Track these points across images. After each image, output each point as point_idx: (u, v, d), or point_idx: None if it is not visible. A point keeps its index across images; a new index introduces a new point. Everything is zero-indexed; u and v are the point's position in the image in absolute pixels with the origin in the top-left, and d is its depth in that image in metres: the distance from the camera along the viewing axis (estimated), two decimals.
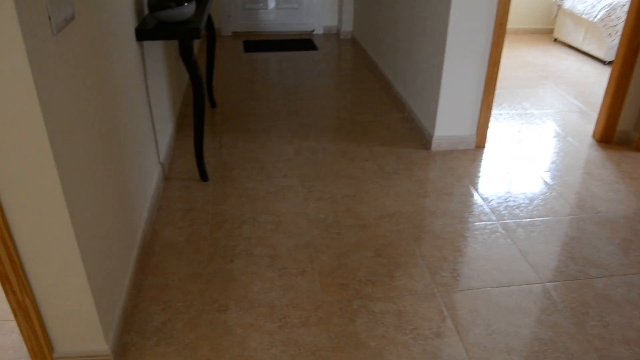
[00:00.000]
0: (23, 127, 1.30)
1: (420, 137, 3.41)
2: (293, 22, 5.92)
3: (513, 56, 5.27)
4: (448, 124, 3.19)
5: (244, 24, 5.87)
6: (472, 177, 2.94)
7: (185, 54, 2.58)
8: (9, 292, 1.64)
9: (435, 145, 3.25)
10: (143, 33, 2.46)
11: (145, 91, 2.61)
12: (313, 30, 5.98)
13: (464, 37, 2.93)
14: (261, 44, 5.56)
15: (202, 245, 2.37)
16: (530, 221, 2.55)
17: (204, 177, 2.90)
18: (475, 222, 2.54)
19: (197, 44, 5.19)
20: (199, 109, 2.72)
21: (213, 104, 3.90)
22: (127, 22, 2.31)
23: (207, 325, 1.93)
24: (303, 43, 5.60)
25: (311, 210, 2.62)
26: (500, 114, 3.81)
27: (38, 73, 1.28)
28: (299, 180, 2.89)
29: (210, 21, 3.63)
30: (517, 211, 2.63)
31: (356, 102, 4.00)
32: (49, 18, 1.38)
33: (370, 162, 3.10)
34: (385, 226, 2.50)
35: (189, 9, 2.54)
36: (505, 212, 2.62)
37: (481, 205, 2.68)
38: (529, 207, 2.66)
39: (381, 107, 3.90)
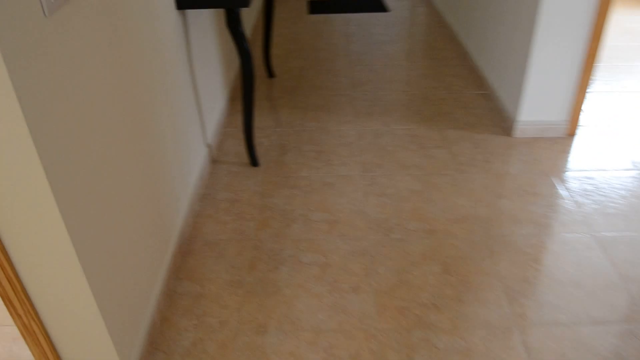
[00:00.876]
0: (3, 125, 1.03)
1: (501, 121, 2.98)
2: None
3: (611, 21, 4.62)
4: (535, 106, 2.75)
5: None
6: (561, 173, 2.52)
7: (232, 24, 2.26)
8: (15, 316, 1.43)
9: (518, 132, 2.82)
10: (184, 1, 2.15)
11: (189, 66, 2.33)
12: None
13: (561, 1, 2.46)
14: (327, 4, 5.15)
15: (246, 247, 2.10)
16: (634, 236, 2.12)
17: (254, 162, 2.62)
18: (564, 233, 2.14)
19: (256, 4, 4.86)
20: (248, 87, 2.41)
21: (270, 74, 3.59)
22: None
23: (242, 350, 1.68)
24: (373, 3, 5.15)
25: (371, 209, 2.30)
26: (595, 94, 3.30)
27: (20, 68, 1.00)
28: (359, 170, 2.56)
29: None
30: (617, 221, 2.20)
31: (428, 74, 3.58)
32: None
33: (442, 149, 2.72)
34: (456, 233, 2.15)
35: None
36: (603, 221, 2.20)
37: (572, 212, 2.26)
38: (632, 217, 2.23)
39: (457, 81, 3.47)
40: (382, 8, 5.00)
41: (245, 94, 2.44)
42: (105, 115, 1.40)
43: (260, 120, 3.04)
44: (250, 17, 4.30)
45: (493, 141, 2.79)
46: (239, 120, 3.04)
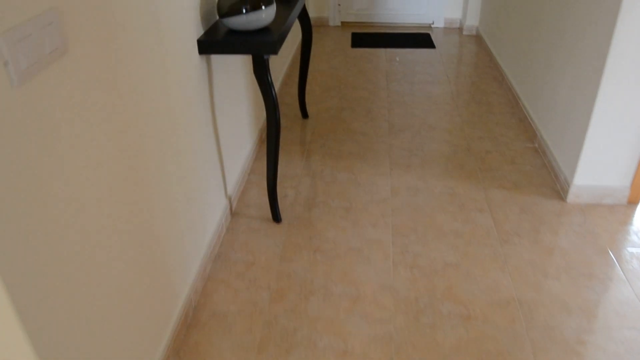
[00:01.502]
0: None
1: (553, 181, 2.69)
2: (410, 12, 5.24)
3: None
4: (594, 169, 2.45)
5: (355, 14, 5.29)
6: (621, 250, 2.21)
7: (258, 72, 2.07)
8: None
9: (572, 196, 2.52)
10: (206, 45, 1.98)
11: (211, 113, 2.15)
12: (432, 23, 5.27)
13: (633, 53, 2.18)
14: (371, 37, 4.95)
15: (257, 322, 1.88)
16: None
17: (276, 218, 2.41)
18: (625, 329, 1.84)
19: (294, 38, 4.69)
20: (273, 139, 2.21)
21: (305, 114, 3.39)
22: (186, 32, 1.84)
23: None
24: (419, 38, 4.92)
25: (400, 283, 2.05)
26: None
27: None
28: (391, 233, 2.32)
29: (305, 15, 3.08)
30: None
31: (474, 121, 3.31)
32: (5, 64, 0.91)
33: (485, 213, 2.45)
34: (495, 321, 1.88)
35: (267, 13, 2.02)
36: None
37: (634, 303, 1.96)
38: None
39: (505, 131, 3.19)
40: (429, 44, 4.76)
41: (270, 147, 2.24)
42: (96, 178, 1.21)
43: (289, 167, 2.84)
44: (286, 50, 4.13)
45: (543, 206, 2.50)
46: (265, 166, 2.84)
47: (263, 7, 1.99)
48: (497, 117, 3.36)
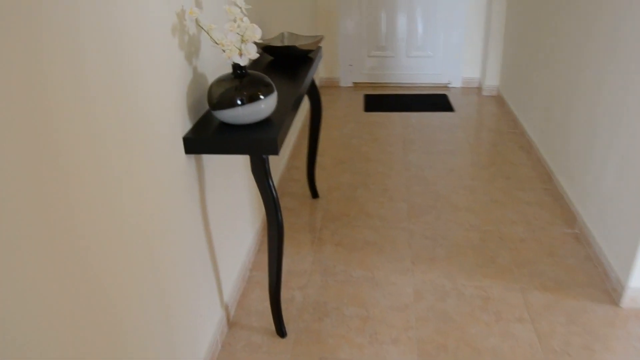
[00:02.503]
0: None
1: (602, 280, 2.32)
2: (426, 72, 4.98)
3: None
4: None
5: (367, 74, 5.03)
6: None
7: (256, 172, 1.76)
8: None
9: (628, 300, 2.15)
10: (194, 144, 1.67)
11: (201, 213, 1.83)
12: (449, 83, 5.00)
13: None
14: (385, 100, 4.68)
15: None
16: None
17: (280, 331, 2.06)
18: None
19: (302, 103, 4.42)
20: (274, 244, 1.88)
21: (314, 193, 3.07)
22: (168, 127, 1.54)
23: None
24: (436, 100, 4.64)
25: None
26: None
27: None
28: (416, 354, 1.95)
29: (314, 89, 2.79)
30: None
31: (502, 200, 2.97)
32: None
33: (526, 324, 2.08)
34: None
35: (267, 104, 1.72)
36: None
37: None
38: None
39: (538, 212, 2.84)
40: (447, 107, 4.47)
41: (272, 253, 1.91)
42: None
43: (296, 261, 2.50)
44: (296, 119, 3.85)
45: (594, 313, 2.13)
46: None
47: (262, 97, 1.69)
48: (528, 195, 3.01)
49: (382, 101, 4.64)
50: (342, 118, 4.26)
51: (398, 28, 4.82)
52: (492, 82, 4.72)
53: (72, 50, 1.05)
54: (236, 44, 1.62)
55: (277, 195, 1.79)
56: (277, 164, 3.16)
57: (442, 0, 4.68)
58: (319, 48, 2.68)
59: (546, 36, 3.29)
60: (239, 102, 1.67)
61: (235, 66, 1.69)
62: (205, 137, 1.66)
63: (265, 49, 2.46)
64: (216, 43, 1.64)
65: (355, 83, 5.09)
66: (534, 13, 3.59)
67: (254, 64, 2.47)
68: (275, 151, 1.64)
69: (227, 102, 1.67)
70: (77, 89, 1.07)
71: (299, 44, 2.59)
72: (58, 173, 1.01)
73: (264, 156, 1.71)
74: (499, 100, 4.58)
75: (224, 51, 1.62)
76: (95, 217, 1.14)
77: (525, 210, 2.87)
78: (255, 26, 1.64)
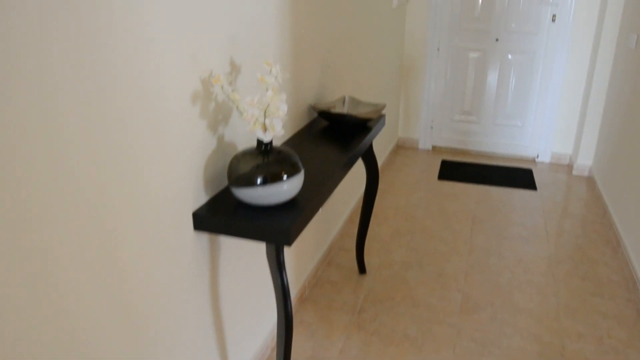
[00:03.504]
0: None
1: None
2: (511, 142, 4.64)
3: None
4: None
5: (449, 138, 4.77)
6: None
7: (270, 259, 1.57)
8: None
9: None
10: (204, 221, 1.52)
11: (210, 296, 1.66)
12: (536, 157, 4.62)
13: None
14: (463, 168, 4.38)
15: None
16: None
17: None
18: None
19: (383, 148, 4.22)
20: (282, 343, 1.67)
21: (362, 269, 2.83)
22: (176, 201, 1.39)
23: None
24: (519, 175, 4.28)
25: None
26: None
27: None
28: None
29: (371, 157, 2.59)
30: None
31: (574, 305, 2.59)
32: None
33: None
34: None
35: (291, 185, 1.54)
36: None
37: None
38: None
39: (616, 328, 2.45)
40: (530, 184, 4.10)
41: (279, 344, 1.70)
42: None
43: (324, 347, 2.27)
44: (359, 178, 3.65)
45: None
46: (290, 346, 2.29)
47: (285, 178, 1.52)
48: (606, 304, 2.61)
49: (459, 169, 4.35)
50: (413, 185, 4.01)
51: (486, 92, 4.55)
52: (584, 161, 4.30)
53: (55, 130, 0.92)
54: (260, 118, 1.47)
55: (288, 287, 1.59)
56: (330, 229, 2.97)
57: (538, 66, 4.36)
58: (380, 116, 2.49)
59: None
60: (259, 181, 1.50)
61: (260, 141, 1.53)
62: (218, 215, 1.51)
63: (321, 114, 2.30)
64: (242, 114, 1.50)
65: (434, 146, 4.83)
66: None
67: (308, 127, 2.32)
68: (287, 242, 1.45)
69: (246, 180, 1.51)
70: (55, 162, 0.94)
71: (357, 112, 2.43)
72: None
73: (279, 245, 1.53)
74: (590, 182, 4.15)
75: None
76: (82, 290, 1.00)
77: (599, 323, 2.48)
78: (282, 100, 1.48)
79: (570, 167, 4.47)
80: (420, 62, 4.60)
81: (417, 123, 4.79)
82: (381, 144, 4.15)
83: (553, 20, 4.21)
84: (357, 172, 3.48)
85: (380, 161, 4.20)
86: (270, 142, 1.54)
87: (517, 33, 4.33)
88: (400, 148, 4.83)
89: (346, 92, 2.90)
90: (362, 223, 2.74)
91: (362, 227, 2.75)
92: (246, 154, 1.56)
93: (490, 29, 4.37)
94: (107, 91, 1.11)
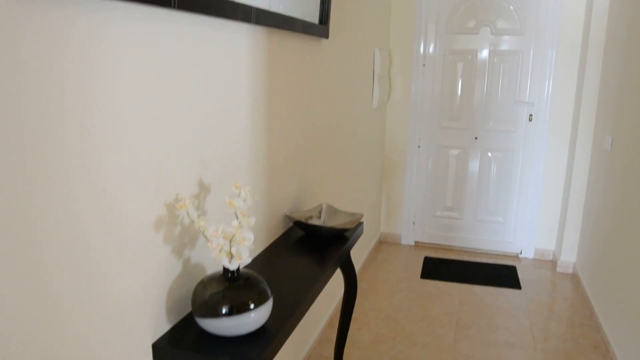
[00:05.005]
0: None
1: None
2: (494, 239, 4.61)
3: None
4: None
5: (431, 234, 4.73)
6: None
7: None
8: None
9: None
10: (164, 354, 1.42)
11: None
12: (520, 253, 4.58)
13: None
14: (446, 266, 4.32)
15: None
16: None
17: None
18: None
19: (362, 247, 4.16)
20: None
21: None
22: (136, 330, 1.30)
23: None
24: (503, 273, 4.22)
25: None
26: None
27: None
28: None
29: (349, 266, 2.51)
30: None
31: None
32: None
33: None
34: None
35: (259, 315, 1.46)
36: None
37: None
38: None
39: None
40: (514, 283, 4.03)
41: None
42: None
43: None
44: (339, 283, 3.56)
45: None
46: None
47: (252, 307, 1.44)
48: None
49: (442, 267, 4.28)
50: (395, 284, 3.92)
51: (467, 189, 4.56)
52: (568, 257, 4.26)
53: None
54: (225, 246, 1.41)
55: None
56: (309, 334, 2.84)
57: (517, 163, 4.41)
58: (358, 225, 2.45)
59: (636, 214, 2.90)
60: (224, 311, 1.42)
61: (226, 268, 1.47)
62: (178, 349, 1.41)
63: (296, 224, 2.26)
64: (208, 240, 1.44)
65: (417, 242, 4.79)
66: (621, 186, 3.23)
67: (284, 237, 2.27)
68: None
69: (210, 310, 1.43)
70: None
71: (333, 222, 2.39)
72: None
73: None
74: (574, 280, 4.09)
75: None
76: None
77: None
78: (249, 228, 1.43)
79: (554, 263, 4.42)
80: (401, 159, 4.64)
81: (400, 219, 4.77)
82: (363, 240, 4.10)
83: (530, 119, 4.30)
84: (338, 273, 3.40)
85: (362, 258, 4.13)
86: (238, 268, 1.48)
87: (496, 132, 4.41)
88: (383, 243, 4.77)
89: (324, 198, 2.88)
90: (340, 330, 2.63)
91: (340, 335, 2.63)
92: (212, 279, 1.49)
93: (469, 127, 4.45)
94: (55, 225, 1.05)
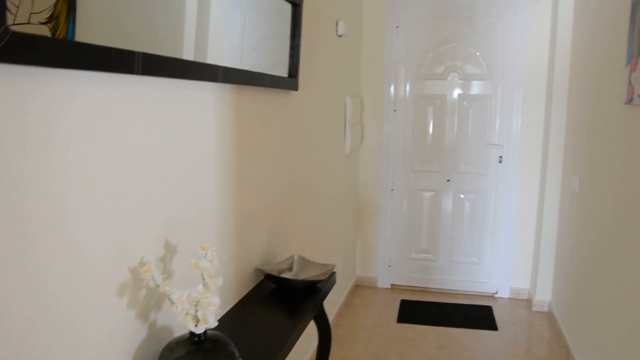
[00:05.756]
0: None
1: None
2: (470, 279, 4.63)
3: None
4: None
5: (407, 276, 4.73)
6: None
7: None
8: None
9: None
10: None
11: None
12: (495, 293, 4.60)
13: None
14: (423, 309, 4.31)
15: None
16: None
17: None
18: None
19: (338, 293, 4.12)
20: None
21: None
22: None
23: None
24: (479, 314, 4.22)
25: None
26: None
27: None
28: None
29: (323, 318, 2.49)
30: None
31: None
32: None
33: None
34: None
35: None
36: None
37: None
38: None
39: None
40: (490, 324, 4.03)
41: None
42: None
43: None
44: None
45: None
46: None
47: None
48: None
49: (418, 310, 4.27)
50: (371, 330, 3.89)
51: (441, 231, 4.60)
52: (543, 296, 4.28)
53: None
54: (190, 310, 1.40)
55: None
56: None
57: (490, 204, 4.47)
58: (331, 275, 2.44)
59: (608, 249, 2.94)
60: None
61: (192, 332, 1.45)
62: None
63: (267, 277, 2.25)
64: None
65: (393, 285, 4.78)
66: (590, 226, 3.28)
67: (255, 291, 2.25)
68: None
69: None
70: None
71: (305, 274, 2.38)
72: None
73: None
74: (550, 318, 4.11)
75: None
76: None
77: None
78: (215, 291, 1.42)
79: (529, 302, 4.44)
80: (375, 203, 4.66)
81: (375, 262, 4.76)
82: (339, 284, 4.08)
83: (500, 161, 4.38)
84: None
85: (338, 303, 4.10)
86: (204, 331, 1.46)
87: (467, 174, 4.47)
88: (359, 287, 4.75)
89: (297, 248, 2.87)
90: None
91: None
92: (179, 343, 1.47)
93: (442, 170, 4.51)
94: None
